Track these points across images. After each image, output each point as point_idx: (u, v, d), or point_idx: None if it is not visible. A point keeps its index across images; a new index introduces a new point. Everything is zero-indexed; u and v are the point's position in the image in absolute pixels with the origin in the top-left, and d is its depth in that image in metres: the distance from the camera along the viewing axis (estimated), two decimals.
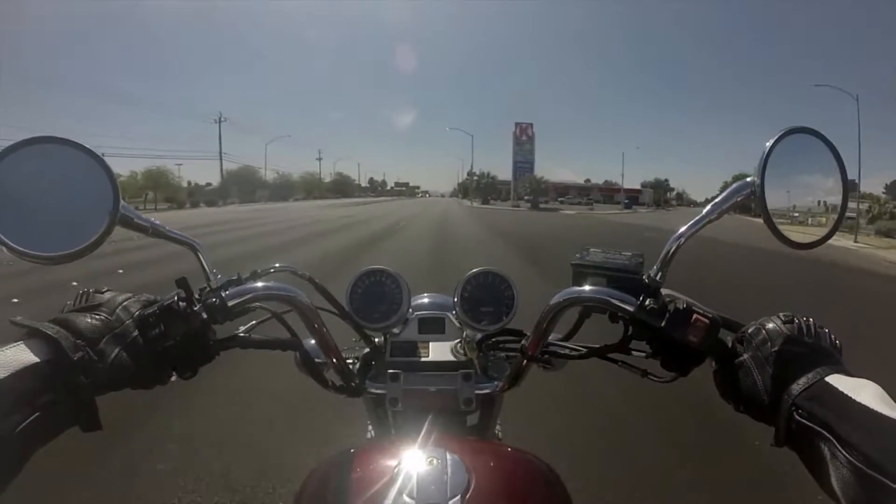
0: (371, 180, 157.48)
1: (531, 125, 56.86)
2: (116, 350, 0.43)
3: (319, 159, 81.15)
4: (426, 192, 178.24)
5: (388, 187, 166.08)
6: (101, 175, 0.45)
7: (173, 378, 0.49)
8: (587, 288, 0.53)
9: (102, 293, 0.48)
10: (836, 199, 0.53)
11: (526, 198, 46.67)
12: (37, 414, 0.37)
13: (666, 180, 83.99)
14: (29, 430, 0.36)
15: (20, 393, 0.37)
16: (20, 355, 0.38)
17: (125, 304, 0.47)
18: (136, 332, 0.45)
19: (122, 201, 0.45)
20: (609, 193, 73.06)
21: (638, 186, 78.59)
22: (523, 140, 55.21)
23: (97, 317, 0.44)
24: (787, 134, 0.50)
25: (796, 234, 0.52)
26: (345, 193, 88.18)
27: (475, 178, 56.41)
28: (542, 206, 46.02)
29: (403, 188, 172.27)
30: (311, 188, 74.99)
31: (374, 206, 34.94)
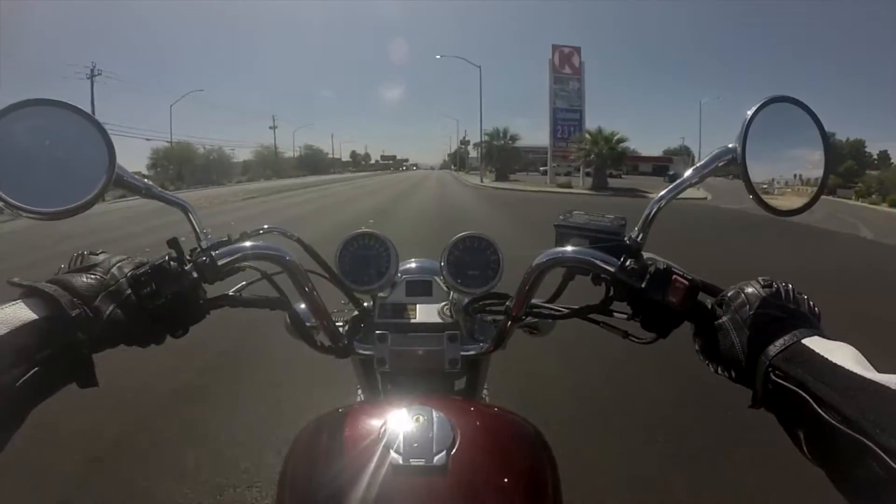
0: (353, 154, 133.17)
1: (577, 51, 31.77)
2: (111, 307, 0.45)
3: (273, 127, 61.12)
4: (415, 164, 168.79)
5: (373, 161, 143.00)
6: (97, 137, 0.48)
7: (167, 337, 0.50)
8: (569, 249, 0.56)
9: (97, 255, 0.50)
10: (818, 168, 0.55)
11: (586, 170, 28.65)
12: (35, 369, 0.39)
13: (687, 148, 69.42)
14: (28, 385, 0.38)
15: (19, 348, 0.38)
16: (19, 312, 0.40)
17: (119, 264, 0.49)
18: (129, 291, 0.47)
19: (116, 161, 0.48)
20: (633, 163, 61.01)
21: (659, 154, 68.63)
22: (565, 74, 31.33)
23: (93, 276, 0.46)
24: (769, 102, 0.52)
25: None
26: (316, 170, 77.19)
27: (486, 140, 38.19)
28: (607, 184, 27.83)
29: (390, 161, 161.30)
30: (267, 164, 62.69)
31: (324, 192, 23.98)
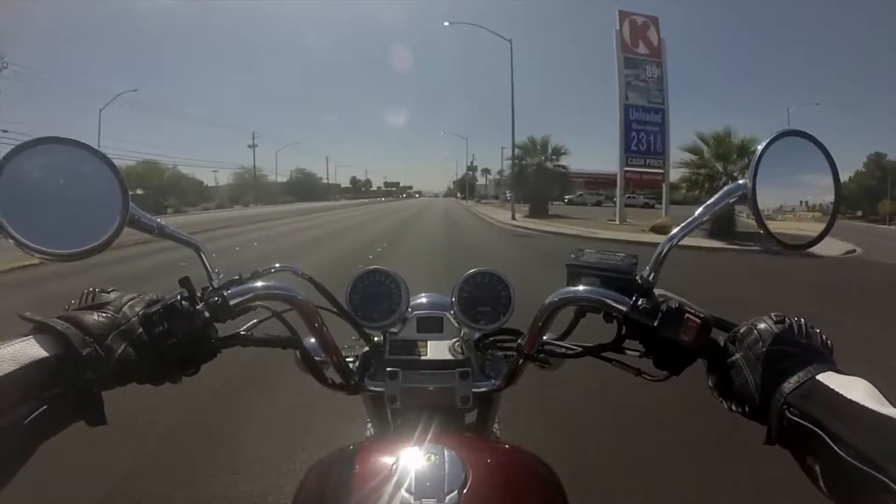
0: (353, 180, 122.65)
1: (653, 23, 19.62)
2: (123, 346, 0.46)
3: (252, 146, 50.85)
4: (418, 192, 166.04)
5: (375, 187, 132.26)
6: (109, 176, 0.49)
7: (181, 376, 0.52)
8: (581, 288, 0.56)
9: (108, 292, 0.51)
10: (829, 198, 0.55)
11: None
12: (44, 407, 0.39)
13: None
14: (36, 422, 0.38)
15: (28, 385, 0.39)
16: (29, 349, 0.40)
17: (130, 302, 0.50)
18: (141, 329, 0.47)
19: (130, 202, 0.49)
20: (607, 187, 54.10)
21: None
22: (640, 55, 19.25)
23: (104, 315, 0.47)
24: (780, 137, 0.53)
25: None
26: (308, 196, 71.65)
27: (517, 156, 26.01)
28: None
29: (392, 188, 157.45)
30: (245, 189, 57.32)
31: (283, 229, 17.23)
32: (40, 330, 0.42)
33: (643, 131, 19.01)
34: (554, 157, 25.90)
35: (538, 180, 25.32)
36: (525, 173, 25.61)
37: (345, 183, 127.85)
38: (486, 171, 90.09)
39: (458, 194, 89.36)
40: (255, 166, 56.93)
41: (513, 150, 24.69)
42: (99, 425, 0.44)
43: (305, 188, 75.90)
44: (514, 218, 21.43)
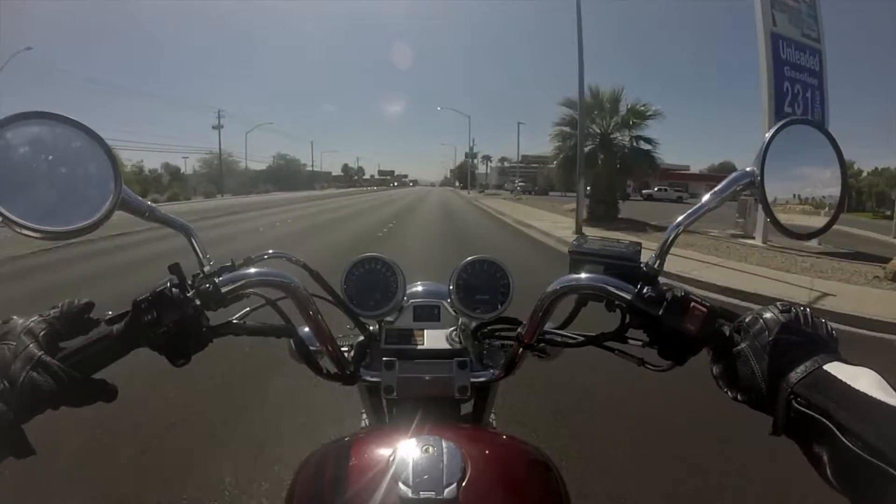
0: (345, 167, 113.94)
1: None
2: (24, 374, 0.44)
3: (218, 127, 42.44)
4: (413, 181, 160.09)
5: (368, 175, 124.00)
6: (101, 155, 0.48)
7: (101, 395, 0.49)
8: (584, 276, 0.55)
9: (7, 322, 0.49)
10: (835, 189, 0.56)
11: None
12: None
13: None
14: None
15: None
16: None
17: (29, 326, 0.48)
18: (39, 353, 0.45)
19: (122, 184, 0.48)
20: (681, 180, 47.97)
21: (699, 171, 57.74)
22: None
23: (3, 346, 0.46)
24: (788, 125, 0.53)
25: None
26: (291, 185, 64.35)
27: (565, 123, 14.75)
28: None
29: (387, 177, 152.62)
30: (215, 177, 48.33)
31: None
32: None
33: (799, 83, 10.81)
34: (635, 122, 14.71)
35: (609, 161, 14.90)
36: (596, 155, 14.90)
37: (336, 171, 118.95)
38: (486, 158, 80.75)
39: (457, 183, 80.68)
40: (220, 150, 48.50)
41: (581, 102, 12.64)
42: (28, 456, 0.42)
43: (288, 176, 67.16)
44: (579, 231, 11.60)
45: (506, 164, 70.92)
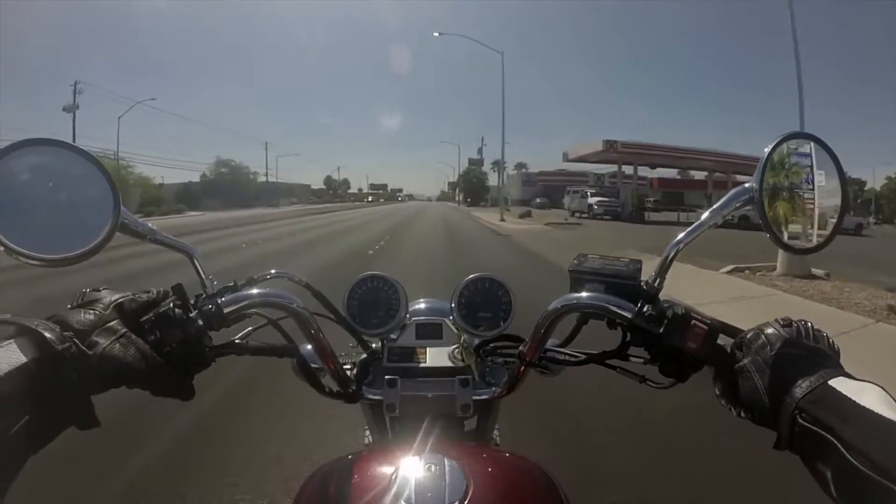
0: (328, 180, 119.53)
1: None
2: (106, 343, 0.45)
3: (73, 109, 21.79)
4: (409, 195, 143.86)
5: (356, 189, 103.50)
6: (100, 179, 0.49)
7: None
8: (585, 294, 0.57)
9: (99, 291, 0.51)
10: (835, 202, 0.58)
11: None
12: (27, 417, 0.38)
13: None
14: (22, 433, 0.38)
15: (8, 395, 0.37)
16: (8, 355, 0.39)
17: (120, 300, 0.50)
18: (124, 329, 0.47)
19: (121, 207, 0.50)
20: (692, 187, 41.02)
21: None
22: None
23: (90, 312, 0.47)
24: (786, 139, 0.54)
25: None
26: (235, 200, 46.99)
27: None
28: None
29: (379, 191, 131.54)
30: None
31: None
32: (19, 333, 0.41)
33: None
34: None
35: None
36: None
37: (317, 184, 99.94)
38: (496, 166, 61.63)
39: (459, 198, 60.97)
40: (118, 155, 29.80)
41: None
42: (91, 427, 0.43)
43: (235, 188, 47.77)
44: None
45: (523, 173, 51.95)
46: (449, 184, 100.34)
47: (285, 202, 66.30)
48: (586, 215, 28.57)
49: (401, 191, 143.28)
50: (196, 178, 52.59)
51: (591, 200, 29.08)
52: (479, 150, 58.97)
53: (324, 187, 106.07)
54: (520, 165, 66.22)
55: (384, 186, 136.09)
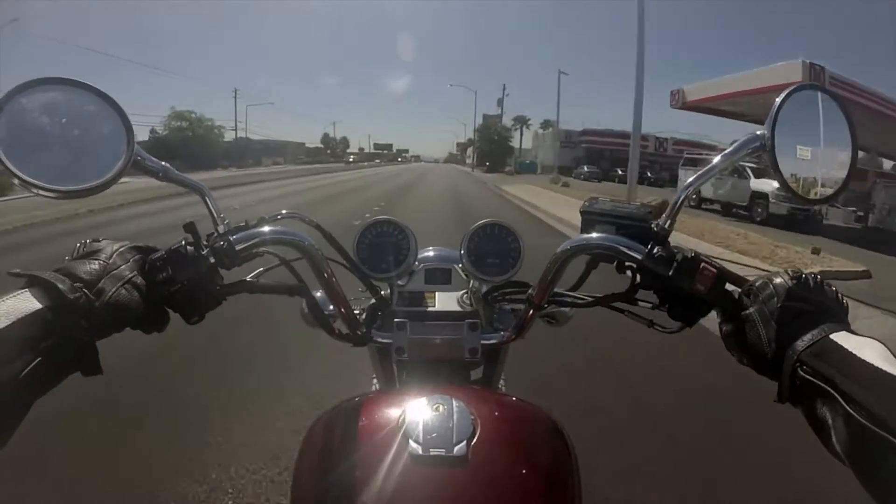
0: (326, 138, 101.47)
1: None
2: (113, 290, 0.47)
3: None
4: (416, 156, 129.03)
5: (357, 149, 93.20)
6: (114, 117, 0.50)
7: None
8: (595, 235, 0.58)
9: (100, 241, 0.52)
10: (846, 154, 0.57)
11: None
12: (38, 360, 0.40)
13: None
14: (31, 376, 0.40)
15: (22, 339, 0.40)
16: (21, 303, 0.42)
17: (120, 249, 0.51)
18: (131, 274, 0.49)
19: (135, 144, 0.52)
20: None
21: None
22: None
23: (95, 261, 0.49)
24: (798, 89, 0.54)
25: None
26: (198, 160, 34.74)
27: None
28: None
29: (383, 151, 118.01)
30: None
31: None
32: (31, 283, 0.44)
33: None
34: None
35: None
36: None
37: (312, 142, 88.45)
38: (520, 122, 49.08)
39: (473, 160, 49.75)
40: None
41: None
42: (94, 374, 0.45)
43: (196, 145, 37.65)
44: None
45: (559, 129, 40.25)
46: (458, 144, 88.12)
47: (268, 162, 55.83)
48: (742, 211, 13.91)
49: (407, 151, 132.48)
50: (145, 136, 42.45)
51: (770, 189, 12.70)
52: (500, 102, 47.19)
53: (321, 146, 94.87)
54: (546, 124, 53.89)
55: (389, 146, 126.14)
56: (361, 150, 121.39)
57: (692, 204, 15.07)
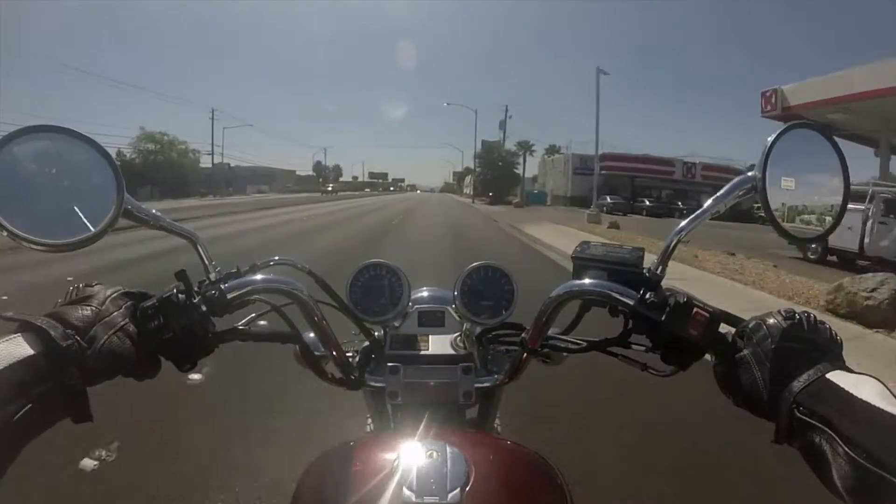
0: (318, 166, 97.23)
1: None
2: (105, 338, 0.47)
3: None
4: (412, 185, 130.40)
5: (350, 178, 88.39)
6: (104, 166, 0.51)
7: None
8: (587, 281, 0.59)
9: (92, 286, 0.52)
10: (837, 195, 0.58)
11: None
12: (30, 405, 0.41)
13: None
14: (22, 421, 0.40)
15: (14, 385, 0.40)
16: (14, 349, 0.42)
17: (113, 296, 0.51)
18: (123, 322, 0.49)
19: (125, 193, 0.52)
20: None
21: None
22: None
23: (87, 307, 0.49)
24: (790, 129, 0.55)
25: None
26: (172, 187, 36.98)
27: None
28: None
29: (378, 180, 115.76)
30: None
31: None
32: (24, 328, 0.44)
33: None
34: None
35: None
36: None
37: (304, 169, 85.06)
38: (524, 147, 45.19)
39: (470, 189, 46.18)
40: None
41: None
42: (85, 422, 0.45)
43: (170, 170, 33.75)
44: None
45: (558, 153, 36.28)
46: (454, 173, 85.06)
47: (252, 190, 51.70)
48: None
49: (402, 181, 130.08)
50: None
51: None
52: (502, 124, 43.79)
53: (313, 174, 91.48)
54: (552, 150, 50.32)
55: (384, 175, 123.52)
56: (355, 178, 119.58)
57: (813, 257, 10.48)
